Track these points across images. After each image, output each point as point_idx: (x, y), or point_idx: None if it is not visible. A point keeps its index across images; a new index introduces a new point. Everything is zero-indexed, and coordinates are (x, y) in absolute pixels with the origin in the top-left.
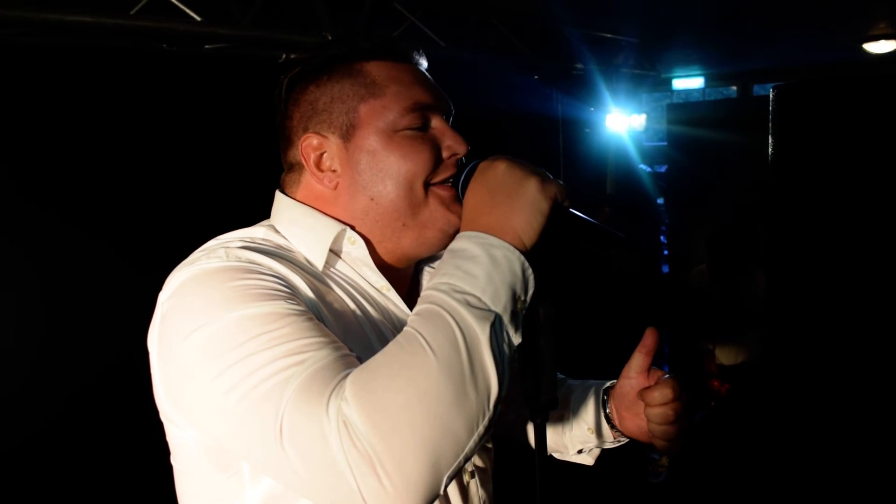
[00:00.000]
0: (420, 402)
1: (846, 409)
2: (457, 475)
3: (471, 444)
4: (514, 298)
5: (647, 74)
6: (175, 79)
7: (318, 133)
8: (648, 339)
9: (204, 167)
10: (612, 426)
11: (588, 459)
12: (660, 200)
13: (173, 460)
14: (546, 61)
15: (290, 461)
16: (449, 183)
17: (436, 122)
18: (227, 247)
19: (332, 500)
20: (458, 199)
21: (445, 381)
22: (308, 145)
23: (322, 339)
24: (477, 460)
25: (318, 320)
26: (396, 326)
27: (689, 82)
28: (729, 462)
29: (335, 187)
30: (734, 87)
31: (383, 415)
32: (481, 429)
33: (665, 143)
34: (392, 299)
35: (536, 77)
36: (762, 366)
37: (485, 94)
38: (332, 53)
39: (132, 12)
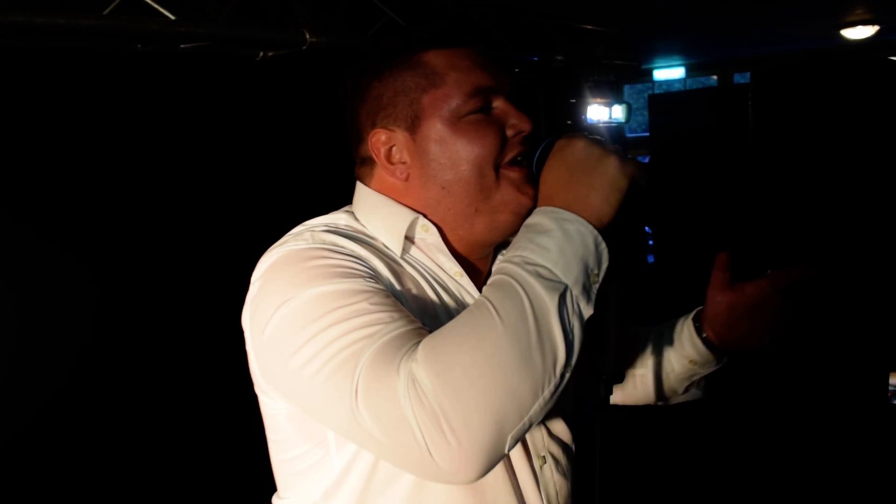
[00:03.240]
0: (486, 363)
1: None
2: (521, 442)
3: (535, 407)
4: (587, 271)
5: (628, 66)
6: (151, 79)
7: (385, 128)
8: (721, 259)
9: (183, 167)
10: (712, 348)
11: (697, 393)
12: None
13: (267, 431)
14: (527, 54)
15: (365, 423)
16: (518, 162)
17: (498, 103)
18: (313, 230)
19: (403, 458)
20: (530, 179)
21: (511, 346)
22: (377, 140)
23: (397, 313)
24: (553, 448)
25: (397, 300)
26: None
27: (670, 73)
28: (720, 448)
29: (406, 178)
30: (715, 77)
31: (450, 374)
32: (546, 394)
33: (647, 134)
34: (465, 286)
35: (517, 70)
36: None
37: (517, 90)
38: (391, 48)
39: (105, 12)
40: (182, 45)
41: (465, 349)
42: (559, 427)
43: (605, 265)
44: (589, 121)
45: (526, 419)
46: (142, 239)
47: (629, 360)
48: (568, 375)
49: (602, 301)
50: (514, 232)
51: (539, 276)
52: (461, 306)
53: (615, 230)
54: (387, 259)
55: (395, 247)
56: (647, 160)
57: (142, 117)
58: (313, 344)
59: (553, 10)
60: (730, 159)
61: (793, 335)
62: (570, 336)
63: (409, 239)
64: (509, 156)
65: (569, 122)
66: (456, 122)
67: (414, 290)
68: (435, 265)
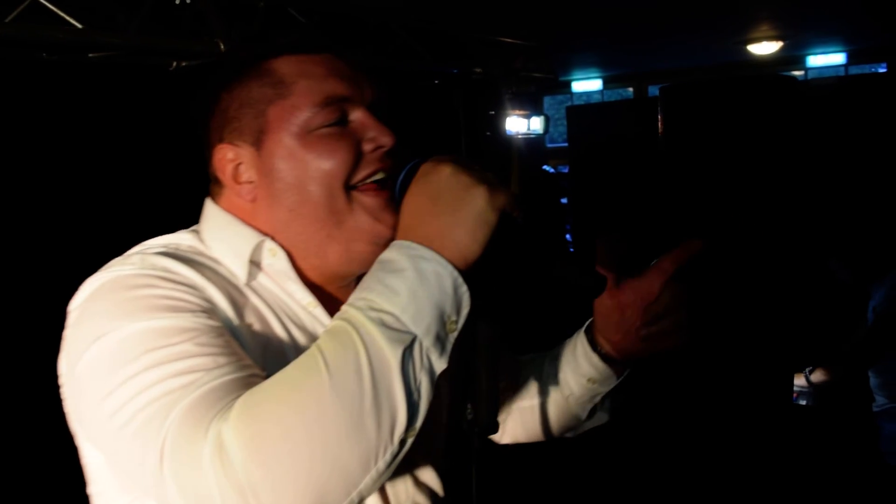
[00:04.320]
0: (306, 429)
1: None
2: (379, 491)
3: (367, 480)
4: (442, 319)
5: (546, 78)
6: (58, 88)
7: (231, 143)
8: (600, 248)
9: (95, 177)
10: (610, 361)
11: (604, 416)
12: (563, 200)
13: (87, 478)
14: (446, 66)
15: (169, 489)
16: (375, 182)
17: (355, 115)
18: (144, 253)
19: None
20: (390, 205)
21: (339, 408)
22: (222, 157)
23: (224, 357)
24: (419, 498)
25: (234, 337)
26: None
27: (587, 84)
28: (634, 452)
29: (254, 199)
30: (630, 89)
31: (263, 441)
32: (381, 465)
33: (566, 145)
34: (319, 318)
35: (437, 81)
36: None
37: (384, 100)
38: (243, 56)
39: (7, 20)
40: (91, 55)
41: (283, 411)
42: (427, 475)
43: (465, 311)
44: (508, 132)
45: (354, 494)
46: (42, 251)
47: (521, 391)
48: (410, 441)
49: (471, 346)
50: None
51: (383, 324)
52: (312, 341)
53: (483, 268)
54: (228, 288)
55: (239, 272)
56: (566, 170)
57: (47, 127)
58: (124, 390)
59: (472, 24)
60: (644, 168)
61: (696, 325)
62: (416, 395)
63: (255, 264)
64: (364, 173)
65: (488, 133)
66: (304, 136)
67: (256, 325)
68: (285, 294)
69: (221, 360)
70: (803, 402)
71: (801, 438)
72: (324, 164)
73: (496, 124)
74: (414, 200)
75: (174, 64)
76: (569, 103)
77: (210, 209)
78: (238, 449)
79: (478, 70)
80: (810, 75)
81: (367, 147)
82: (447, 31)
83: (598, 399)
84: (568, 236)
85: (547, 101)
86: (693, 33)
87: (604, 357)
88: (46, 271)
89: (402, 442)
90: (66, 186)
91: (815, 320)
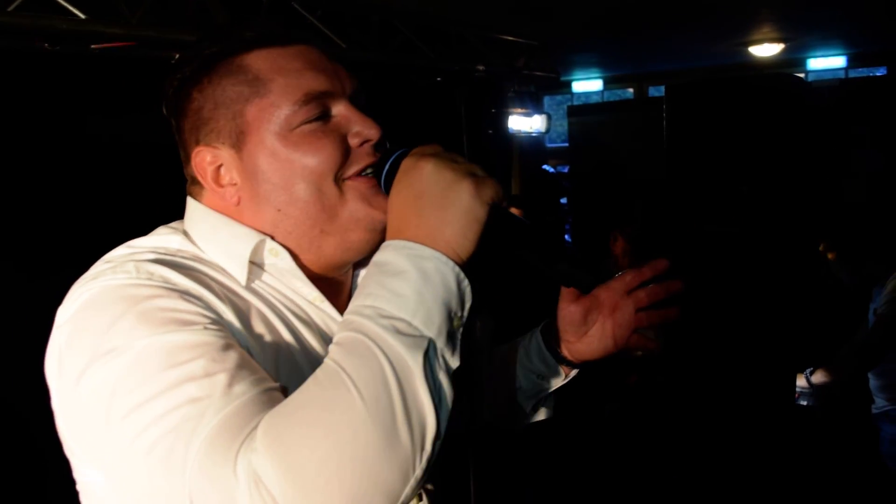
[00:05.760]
0: (345, 451)
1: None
2: None
3: (407, 490)
4: (450, 317)
5: (547, 77)
6: (58, 80)
7: (209, 145)
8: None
9: (90, 172)
10: (561, 360)
11: (543, 413)
12: (563, 200)
13: (81, 497)
14: (448, 63)
15: None
16: (367, 174)
17: (338, 109)
18: (137, 260)
19: None
20: (380, 190)
21: (374, 425)
22: (201, 161)
23: (239, 371)
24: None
25: (242, 345)
26: None
27: (588, 84)
28: (639, 453)
29: (238, 202)
30: (631, 90)
31: (302, 469)
32: (418, 472)
33: (566, 144)
34: (328, 312)
35: (439, 79)
36: (665, 357)
37: (387, 97)
38: (211, 50)
39: (9, 9)
40: (93, 46)
41: (318, 434)
42: None
43: (468, 305)
44: (510, 130)
45: None
46: (41, 245)
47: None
48: (439, 443)
49: (470, 343)
50: (372, 248)
51: (397, 331)
52: (324, 339)
53: (478, 261)
54: (229, 294)
55: (239, 274)
56: (566, 169)
57: (47, 118)
58: (136, 419)
59: (474, 21)
60: (644, 168)
61: (699, 327)
62: (439, 398)
63: (255, 265)
64: (355, 168)
65: (490, 131)
66: (287, 136)
67: (264, 331)
68: (291, 291)
69: (237, 377)
70: (804, 403)
71: (801, 439)
72: (311, 162)
73: (498, 122)
74: (398, 201)
75: (177, 56)
76: (568, 103)
77: (197, 208)
78: (277, 481)
79: (480, 68)
80: (810, 78)
81: (354, 141)
82: (450, 28)
83: (542, 395)
84: (567, 237)
85: (546, 101)
86: (695, 35)
87: (556, 355)
88: (46, 265)
89: (434, 445)
90: (65, 178)
91: (816, 321)
